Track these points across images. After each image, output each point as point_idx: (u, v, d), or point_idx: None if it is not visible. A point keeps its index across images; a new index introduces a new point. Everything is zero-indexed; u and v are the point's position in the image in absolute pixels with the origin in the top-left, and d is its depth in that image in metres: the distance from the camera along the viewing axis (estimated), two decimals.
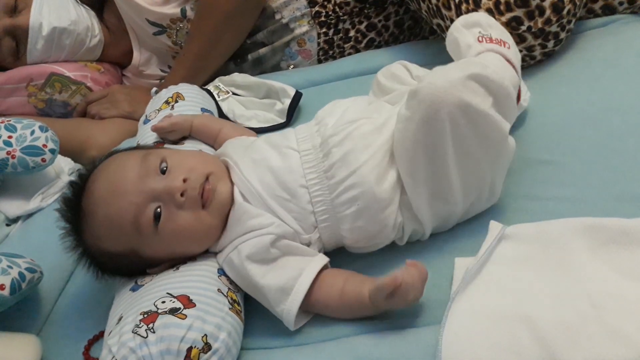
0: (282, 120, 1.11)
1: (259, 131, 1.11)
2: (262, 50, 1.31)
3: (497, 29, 0.78)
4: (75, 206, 0.78)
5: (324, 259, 0.74)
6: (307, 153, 0.76)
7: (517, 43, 0.89)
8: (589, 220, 0.68)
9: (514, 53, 0.77)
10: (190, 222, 0.74)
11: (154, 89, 1.22)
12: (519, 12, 0.91)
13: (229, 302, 0.72)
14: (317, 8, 1.24)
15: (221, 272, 0.76)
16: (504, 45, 0.76)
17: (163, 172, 0.76)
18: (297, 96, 1.11)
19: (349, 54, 1.29)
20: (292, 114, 1.11)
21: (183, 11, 1.27)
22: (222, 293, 0.72)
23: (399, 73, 0.90)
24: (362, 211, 0.73)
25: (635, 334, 0.57)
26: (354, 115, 0.77)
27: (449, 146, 0.68)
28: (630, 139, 0.78)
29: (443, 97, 0.66)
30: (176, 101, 1.07)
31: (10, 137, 1.00)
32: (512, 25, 0.92)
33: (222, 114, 1.14)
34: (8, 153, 1.00)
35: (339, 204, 0.74)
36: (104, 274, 0.80)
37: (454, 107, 0.66)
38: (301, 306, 0.70)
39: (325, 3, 1.24)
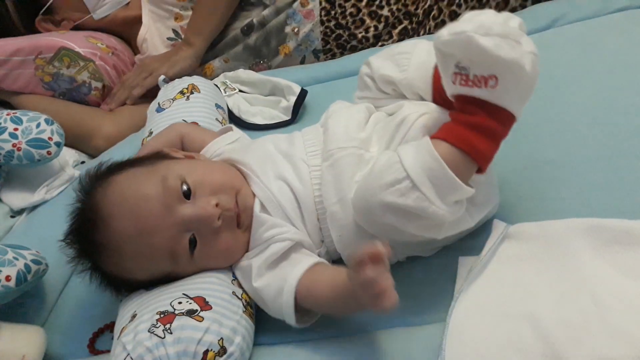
0: (287, 117, 1.11)
1: (264, 128, 1.11)
2: (266, 12, 1.31)
3: (483, 55, 0.58)
4: (88, 238, 0.75)
5: (317, 258, 0.72)
6: (316, 169, 0.75)
7: None
8: (592, 221, 0.68)
9: (497, 91, 0.60)
10: (228, 242, 0.74)
11: (162, 77, 1.23)
12: None
13: (243, 305, 0.72)
14: None
15: (235, 276, 0.76)
16: (485, 85, 0.60)
17: (186, 195, 0.73)
18: (303, 94, 1.11)
19: (350, 13, 1.28)
20: (298, 112, 1.11)
21: None
22: (237, 296, 0.72)
23: (387, 72, 0.78)
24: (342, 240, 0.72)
25: (638, 333, 0.57)
26: (354, 137, 0.74)
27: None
28: (636, 139, 0.78)
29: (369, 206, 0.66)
30: (192, 92, 1.08)
31: (16, 129, 1.01)
32: None
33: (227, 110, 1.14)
34: (14, 145, 1.00)
35: (327, 228, 0.73)
36: (124, 291, 0.78)
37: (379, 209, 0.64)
38: (300, 302, 0.68)
39: None
